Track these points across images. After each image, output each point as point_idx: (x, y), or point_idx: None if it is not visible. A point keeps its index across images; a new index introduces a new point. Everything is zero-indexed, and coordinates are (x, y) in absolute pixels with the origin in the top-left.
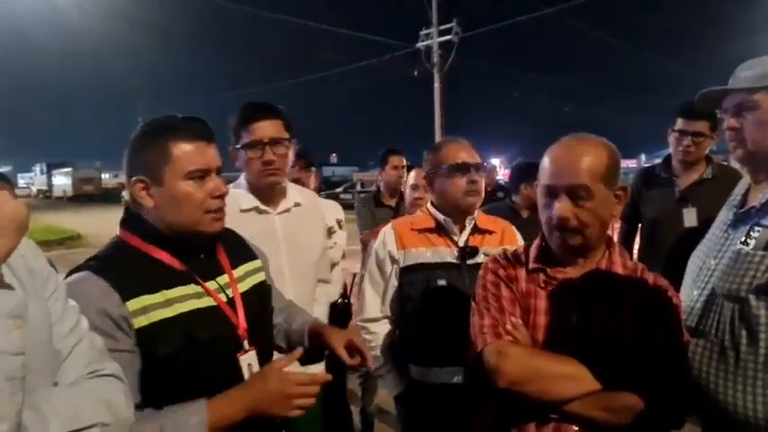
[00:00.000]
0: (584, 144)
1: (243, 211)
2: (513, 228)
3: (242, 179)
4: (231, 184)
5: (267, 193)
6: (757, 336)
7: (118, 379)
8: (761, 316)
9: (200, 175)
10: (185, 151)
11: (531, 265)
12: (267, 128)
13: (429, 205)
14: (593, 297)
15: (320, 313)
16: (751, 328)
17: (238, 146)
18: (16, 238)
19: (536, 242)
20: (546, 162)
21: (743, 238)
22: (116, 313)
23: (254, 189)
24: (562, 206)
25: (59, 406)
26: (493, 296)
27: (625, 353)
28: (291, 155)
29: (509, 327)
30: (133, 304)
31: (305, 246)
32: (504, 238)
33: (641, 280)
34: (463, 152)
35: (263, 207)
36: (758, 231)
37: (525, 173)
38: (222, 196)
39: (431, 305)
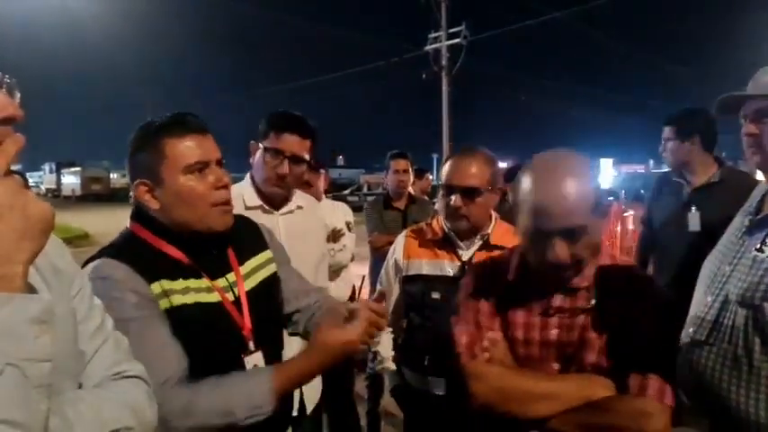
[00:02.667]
0: None
1: (248, 208)
2: None
3: (248, 178)
4: (236, 185)
5: (272, 197)
6: None
7: (142, 380)
8: None
9: (199, 167)
10: (180, 146)
11: (511, 276)
12: (296, 143)
13: (440, 215)
14: (574, 307)
15: None
16: (765, 336)
17: (261, 145)
18: (42, 240)
19: (516, 252)
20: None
21: (758, 245)
22: (143, 291)
23: (260, 190)
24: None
25: (84, 410)
26: (471, 312)
27: (607, 365)
28: (322, 183)
29: (486, 343)
30: (156, 287)
31: (306, 248)
32: None
33: (627, 285)
34: (451, 172)
35: (267, 207)
36: None
37: (514, 175)
38: (226, 186)
39: (424, 316)
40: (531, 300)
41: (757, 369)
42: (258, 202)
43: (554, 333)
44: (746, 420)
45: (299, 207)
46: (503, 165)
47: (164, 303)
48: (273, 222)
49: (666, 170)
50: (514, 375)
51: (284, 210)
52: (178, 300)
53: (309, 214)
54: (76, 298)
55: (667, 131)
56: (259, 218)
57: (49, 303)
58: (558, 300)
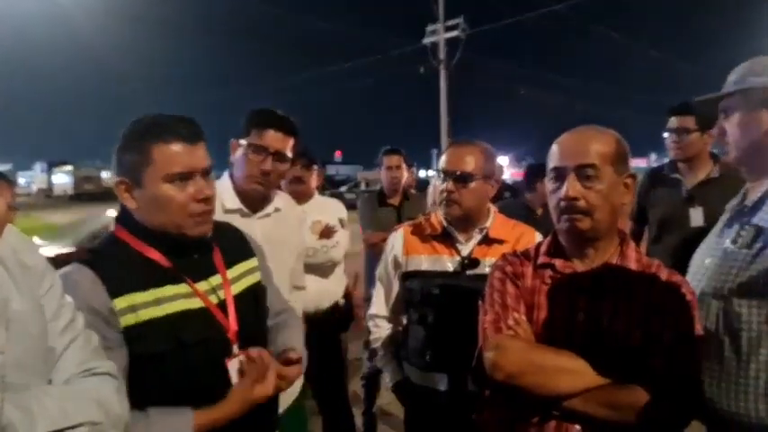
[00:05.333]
0: (592, 130)
1: (227, 211)
2: (535, 235)
3: (226, 177)
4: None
5: (251, 197)
6: (739, 334)
7: (112, 377)
8: (743, 314)
9: (182, 177)
10: (166, 153)
11: (540, 260)
12: (279, 140)
13: (439, 210)
14: (601, 292)
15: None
16: (733, 327)
17: (244, 141)
18: None
19: (548, 238)
20: (554, 147)
21: (733, 237)
22: (104, 308)
23: (240, 190)
24: (570, 185)
25: (48, 404)
26: (498, 293)
27: (631, 352)
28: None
29: (510, 322)
30: (121, 302)
31: (282, 251)
32: (517, 248)
33: (654, 277)
34: (446, 159)
35: (246, 210)
36: (746, 230)
37: (542, 170)
38: (206, 199)
39: (424, 312)
40: (557, 283)
41: (728, 359)
42: (237, 204)
43: (579, 316)
44: (720, 410)
45: (277, 210)
46: (503, 159)
47: (128, 319)
48: (251, 227)
49: (659, 166)
50: (538, 349)
51: (261, 213)
52: (146, 314)
53: (287, 216)
54: (47, 295)
55: (682, 121)
56: (236, 222)
57: (3, 299)
58: (584, 283)
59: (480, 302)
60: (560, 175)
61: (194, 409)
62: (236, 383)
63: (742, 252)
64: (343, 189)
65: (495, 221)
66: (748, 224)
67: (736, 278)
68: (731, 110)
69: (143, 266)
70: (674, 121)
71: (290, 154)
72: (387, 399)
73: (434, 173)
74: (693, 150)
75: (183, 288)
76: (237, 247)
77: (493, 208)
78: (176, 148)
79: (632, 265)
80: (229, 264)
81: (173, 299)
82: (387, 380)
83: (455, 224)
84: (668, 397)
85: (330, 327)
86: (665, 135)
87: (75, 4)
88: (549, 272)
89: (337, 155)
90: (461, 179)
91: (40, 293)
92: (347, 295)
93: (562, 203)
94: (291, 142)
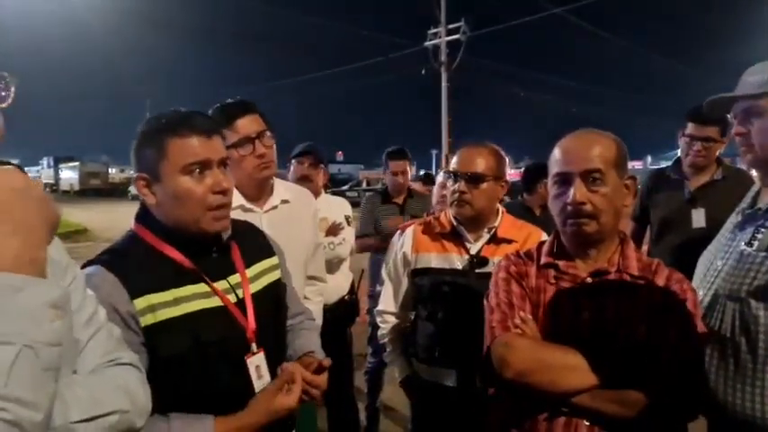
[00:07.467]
0: (594, 134)
1: None
2: (542, 235)
3: None
4: None
5: (255, 191)
6: (756, 336)
7: (135, 368)
8: (760, 317)
9: (199, 168)
10: (181, 145)
11: (543, 261)
12: (251, 123)
13: (449, 209)
14: (604, 292)
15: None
16: (750, 329)
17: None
18: (53, 235)
19: (549, 239)
20: (557, 152)
21: (748, 240)
22: (124, 310)
23: (242, 187)
24: (577, 190)
25: (80, 393)
26: (503, 292)
27: (636, 349)
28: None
29: (517, 321)
30: (140, 302)
31: (293, 244)
32: (525, 248)
33: (655, 275)
34: (458, 161)
35: (248, 205)
36: (762, 233)
37: (543, 172)
38: (224, 192)
39: (433, 308)
40: (561, 282)
41: (743, 362)
42: (239, 201)
43: (584, 315)
44: (733, 412)
45: (285, 201)
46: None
47: (147, 319)
48: (257, 221)
49: (662, 167)
50: (546, 347)
51: (268, 206)
52: (164, 314)
53: (297, 207)
54: (70, 287)
55: (707, 130)
56: (241, 217)
57: (66, 290)
58: (587, 282)
59: (485, 302)
60: (565, 180)
61: (216, 414)
62: (259, 392)
63: (759, 255)
64: (344, 188)
65: (503, 221)
66: (763, 227)
67: (753, 281)
68: (759, 112)
69: (162, 266)
70: (696, 129)
71: (266, 127)
72: (389, 394)
73: (443, 173)
74: (714, 157)
75: (201, 287)
76: (257, 245)
77: (501, 208)
78: (192, 139)
79: (633, 265)
80: (249, 262)
81: (191, 298)
82: (393, 374)
83: (465, 223)
84: (674, 393)
85: (336, 321)
86: (685, 140)
87: (85, 4)
88: (552, 272)
89: (339, 155)
90: (473, 180)
91: (65, 286)
92: (353, 290)
93: (569, 208)
94: (259, 118)
